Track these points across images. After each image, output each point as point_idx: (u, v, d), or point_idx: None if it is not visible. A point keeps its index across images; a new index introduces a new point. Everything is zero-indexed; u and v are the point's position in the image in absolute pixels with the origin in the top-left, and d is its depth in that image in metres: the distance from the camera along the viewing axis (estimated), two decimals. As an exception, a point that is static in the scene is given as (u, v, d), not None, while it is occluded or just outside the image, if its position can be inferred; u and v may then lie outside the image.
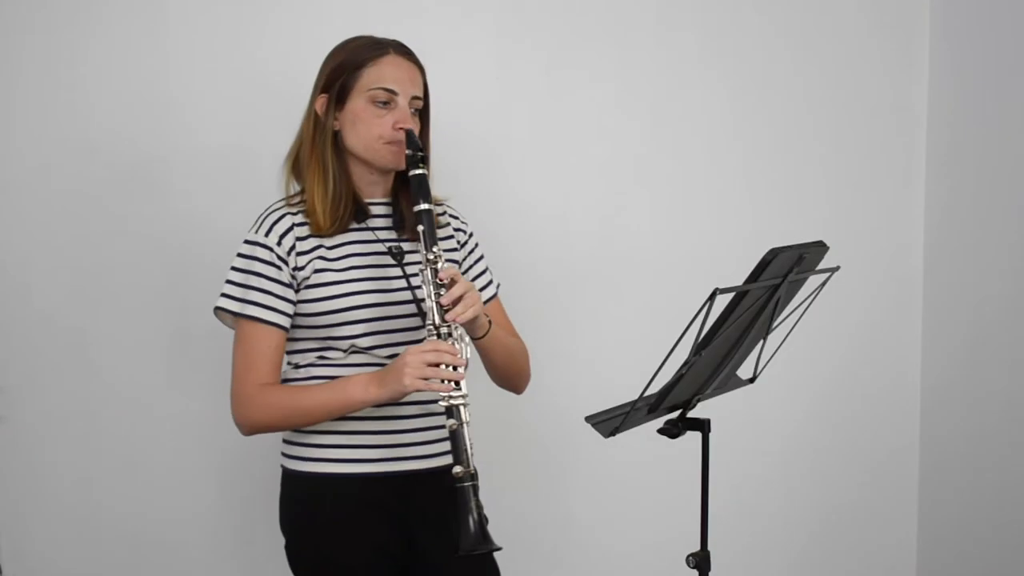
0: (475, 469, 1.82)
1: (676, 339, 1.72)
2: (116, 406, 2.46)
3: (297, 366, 1.98)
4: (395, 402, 1.89)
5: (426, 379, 1.81)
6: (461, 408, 1.83)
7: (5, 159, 2.37)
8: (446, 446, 1.97)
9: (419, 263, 1.89)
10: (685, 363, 1.76)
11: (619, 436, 1.83)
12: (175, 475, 2.51)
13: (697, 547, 1.91)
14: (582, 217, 2.80)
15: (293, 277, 1.92)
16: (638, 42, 2.82)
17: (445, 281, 1.85)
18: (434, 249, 1.86)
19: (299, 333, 1.96)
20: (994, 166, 2.92)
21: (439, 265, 1.86)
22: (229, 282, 1.94)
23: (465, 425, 1.82)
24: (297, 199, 1.99)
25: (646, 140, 2.86)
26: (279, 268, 1.92)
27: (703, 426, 1.89)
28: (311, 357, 1.96)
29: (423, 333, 1.90)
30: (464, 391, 1.83)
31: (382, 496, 1.95)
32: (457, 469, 1.81)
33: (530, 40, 2.72)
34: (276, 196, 2.53)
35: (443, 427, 1.94)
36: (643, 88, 2.84)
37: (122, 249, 2.44)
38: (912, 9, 3.08)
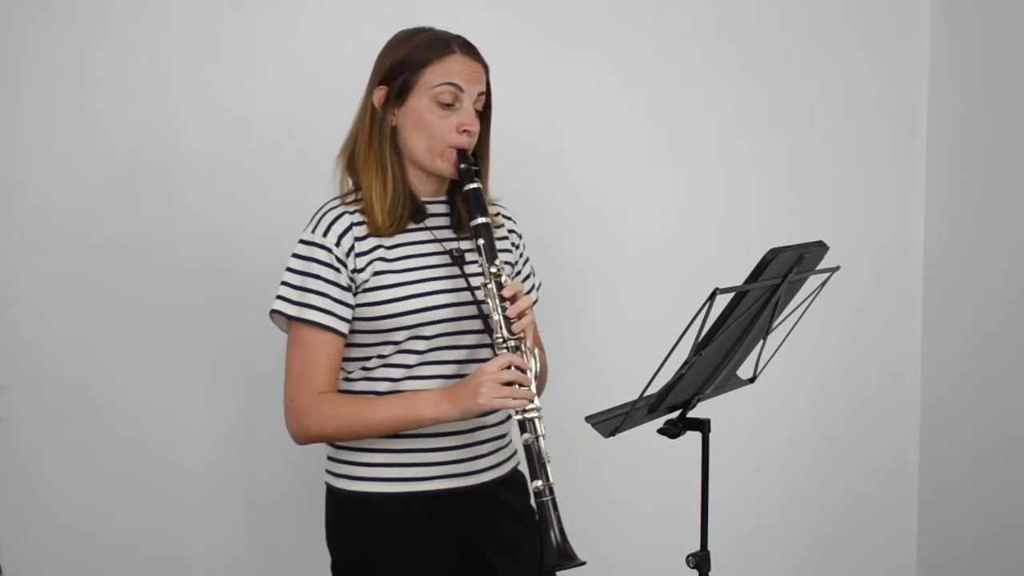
0: (553, 482, 1.77)
1: (676, 339, 1.72)
2: (116, 406, 2.46)
3: (351, 373, 1.93)
4: (466, 419, 1.84)
5: (503, 396, 1.77)
6: (536, 421, 1.78)
7: (6, 160, 2.37)
8: (494, 460, 1.97)
9: (476, 262, 1.87)
10: (685, 363, 1.76)
11: (619, 436, 1.83)
12: (176, 476, 2.51)
13: (697, 547, 1.91)
14: (581, 217, 2.80)
15: (352, 280, 1.86)
16: (638, 42, 2.82)
17: (508, 296, 1.82)
18: (496, 263, 1.83)
19: (357, 339, 1.90)
20: (994, 166, 2.92)
21: (503, 278, 1.83)
22: (285, 284, 1.87)
23: (541, 438, 1.78)
24: (352, 197, 1.93)
25: (646, 140, 2.86)
26: (338, 271, 1.85)
27: (703, 426, 1.89)
28: (371, 363, 1.90)
29: (485, 338, 1.87)
30: (537, 404, 1.79)
31: (437, 515, 1.90)
32: (537, 484, 1.76)
33: (530, 40, 2.72)
34: (279, 198, 2.53)
35: (489, 441, 1.95)
36: (642, 88, 2.84)
37: (123, 249, 2.44)
38: (912, 9, 3.08)
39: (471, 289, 1.88)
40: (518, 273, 2.08)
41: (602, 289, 2.84)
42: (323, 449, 2.32)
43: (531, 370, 1.82)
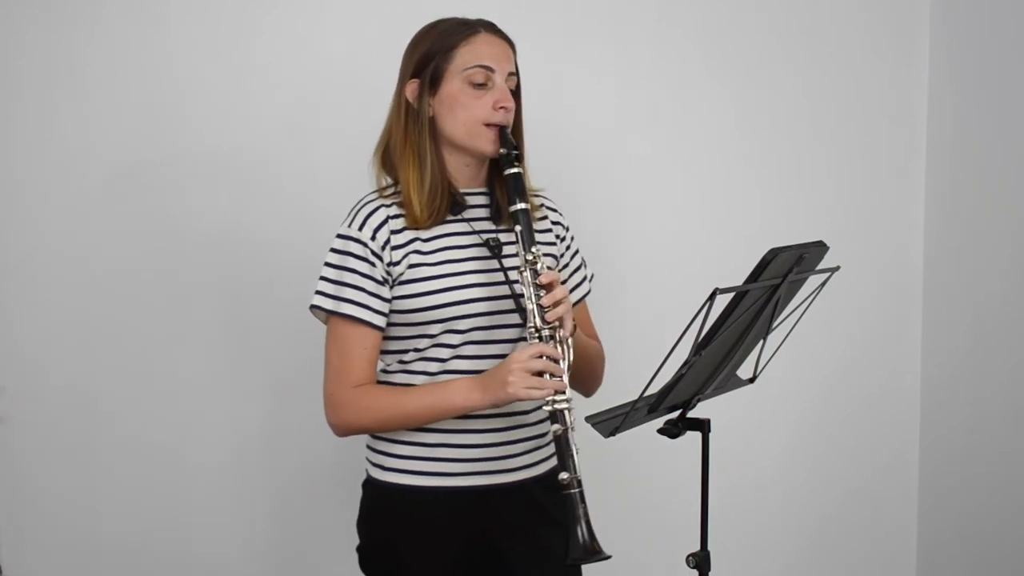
0: (581, 475, 1.77)
1: (676, 339, 1.72)
2: (116, 407, 2.46)
3: (388, 365, 1.94)
4: (496, 407, 1.85)
5: (531, 387, 1.77)
6: (566, 412, 1.78)
7: (6, 160, 2.37)
8: (530, 459, 1.96)
9: (515, 255, 1.86)
10: (685, 363, 1.76)
11: (619, 436, 1.83)
12: (176, 475, 2.51)
13: (697, 547, 1.91)
14: (581, 217, 2.79)
15: (388, 273, 1.87)
16: (638, 42, 2.82)
17: (544, 283, 1.81)
18: (532, 250, 1.82)
19: (394, 331, 1.91)
20: (994, 166, 2.92)
21: (539, 266, 1.82)
22: (323, 278, 1.88)
23: (570, 430, 1.79)
24: (390, 191, 1.93)
25: (645, 139, 2.86)
26: (372, 264, 1.86)
27: (703, 426, 1.89)
28: (408, 356, 1.91)
29: (522, 331, 1.86)
30: (568, 395, 1.79)
31: (465, 510, 1.91)
32: (564, 475, 1.77)
33: (530, 40, 2.71)
34: (280, 197, 2.53)
35: (527, 440, 1.94)
36: (642, 87, 2.84)
37: (124, 249, 2.44)
38: (912, 9, 3.08)
39: (508, 281, 1.87)
40: (565, 266, 2.07)
41: (602, 289, 2.82)
42: (325, 451, 2.33)
43: (564, 359, 1.81)
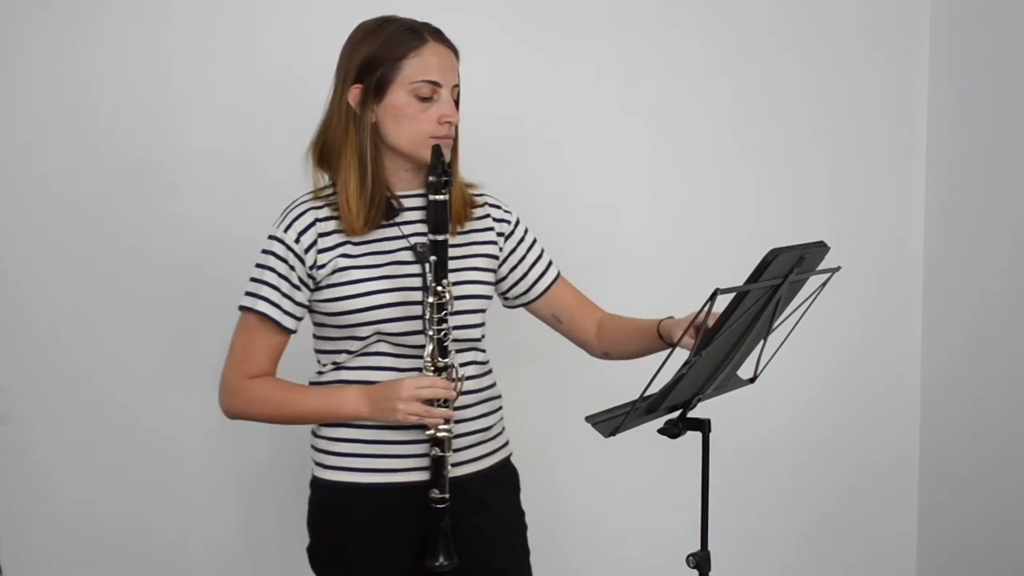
0: (448, 495, 1.87)
1: (676, 339, 1.72)
2: (116, 406, 2.46)
3: (324, 367, 1.95)
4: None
5: (419, 415, 1.83)
6: (446, 441, 1.85)
7: (5, 160, 2.37)
8: (471, 454, 1.98)
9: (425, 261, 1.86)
10: (685, 363, 1.76)
11: (619, 436, 1.83)
12: (175, 475, 2.52)
13: (697, 547, 1.91)
14: (580, 217, 2.80)
15: (310, 276, 1.88)
16: (638, 42, 2.82)
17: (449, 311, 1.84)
18: (443, 282, 1.83)
19: (326, 332, 1.93)
20: (994, 166, 2.92)
21: (445, 299, 1.83)
22: (251, 278, 1.90)
23: (447, 455, 1.86)
24: (327, 192, 1.93)
25: (646, 139, 2.86)
26: (291, 267, 1.87)
27: (703, 426, 1.88)
28: (340, 357, 1.92)
29: (455, 332, 1.88)
30: (450, 426, 1.86)
31: (409, 506, 1.91)
32: (435, 492, 1.87)
33: (530, 40, 2.72)
34: (278, 197, 2.53)
35: (468, 434, 1.96)
36: (643, 87, 2.84)
37: (123, 249, 2.45)
38: (912, 9, 3.08)
39: (424, 288, 1.88)
40: (521, 259, 2.07)
41: (602, 289, 2.82)
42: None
43: (456, 385, 1.86)
